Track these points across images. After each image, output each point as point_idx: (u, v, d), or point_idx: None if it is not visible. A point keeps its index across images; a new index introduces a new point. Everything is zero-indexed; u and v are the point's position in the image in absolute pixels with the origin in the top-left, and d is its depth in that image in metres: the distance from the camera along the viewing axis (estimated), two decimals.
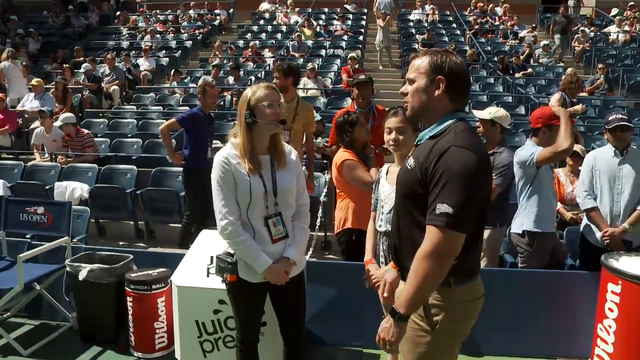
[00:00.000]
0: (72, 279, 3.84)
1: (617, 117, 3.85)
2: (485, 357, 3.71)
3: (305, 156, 5.15)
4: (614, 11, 18.06)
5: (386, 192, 2.88)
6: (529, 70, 12.92)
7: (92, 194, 6.20)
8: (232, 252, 2.63)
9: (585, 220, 4.09)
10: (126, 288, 3.67)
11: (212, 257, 3.49)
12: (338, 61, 13.50)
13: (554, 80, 12.24)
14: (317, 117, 7.31)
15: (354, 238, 3.59)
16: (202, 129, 5.45)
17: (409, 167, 2.04)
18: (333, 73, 12.61)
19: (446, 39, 15.90)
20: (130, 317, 3.68)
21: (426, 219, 1.91)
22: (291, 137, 4.66)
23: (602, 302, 3.45)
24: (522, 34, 16.07)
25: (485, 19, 17.63)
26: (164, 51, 14.66)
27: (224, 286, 3.18)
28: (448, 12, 18.51)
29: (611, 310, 3.37)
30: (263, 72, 12.37)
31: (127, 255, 3.95)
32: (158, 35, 16.08)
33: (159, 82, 12.97)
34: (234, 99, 10.20)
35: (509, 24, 17.05)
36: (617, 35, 15.69)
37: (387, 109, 5.08)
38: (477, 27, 16.59)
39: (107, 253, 4.06)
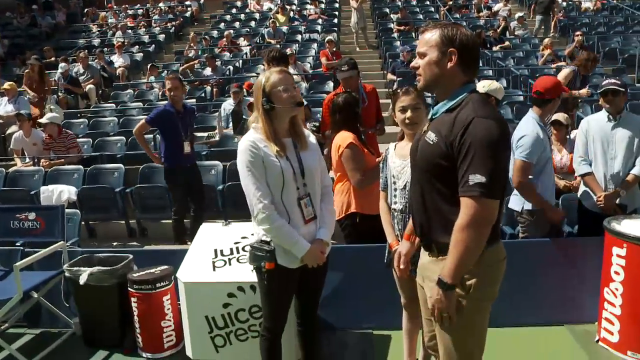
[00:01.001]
0: (72, 284, 3.75)
1: (610, 81, 3.86)
2: (490, 328, 3.72)
3: None
4: None
5: (398, 167, 2.85)
6: (507, 43, 12.95)
7: (80, 196, 6.06)
8: (267, 239, 2.59)
9: (582, 187, 4.12)
10: (129, 289, 3.58)
11: (216, 250, 3.47)
12: (315, 45, 13.41)
13: (531, 51, 12.31)
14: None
15: (358, 220, 3.54)
16: (174, 124, 5.28)
17: (431, 142, 2.05)
18: (311, 57, 12.50)
19: (421, 16, 15.87)
20: (135, 318, 3.60)
21: (458, 191, 1.95)
22: None
23: (608, 266, 3.47)
24: (496, 7, 16.12)
25: None
26: (137, 46, 14.37)
27: (234, 278, 3.19)
28: None
29: (617, 273, 3.40)
30: (240, 62, 12.22)
31: (126, 255, 3.86)
32: (129, 31, 15.76)
33: (134, 78, 12.73)
34: (215, 89, 10.06)
35: None
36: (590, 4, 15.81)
37: (374, 87, 5.06)
38: (451, 3, 16.58)
39: (106, 255, 3.97)
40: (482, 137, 1.90)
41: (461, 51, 2.02)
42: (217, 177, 6.24)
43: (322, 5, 17.31)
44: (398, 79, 10.33)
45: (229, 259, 3.38)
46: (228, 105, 8.03)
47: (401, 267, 2.58)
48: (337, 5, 17.47)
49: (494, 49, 12.52)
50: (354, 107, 3.59)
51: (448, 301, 2.01)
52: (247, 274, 3.19)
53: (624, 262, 3.34)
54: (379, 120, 4.81)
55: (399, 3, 17.17)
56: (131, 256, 3.85)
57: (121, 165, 6.55)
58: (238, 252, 3.44)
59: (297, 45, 13.39)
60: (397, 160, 2.87)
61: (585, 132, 3.97)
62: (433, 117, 2.14)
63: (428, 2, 17.48)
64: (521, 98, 9.08)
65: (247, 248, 3.40)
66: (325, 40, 11.78)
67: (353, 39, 14.70)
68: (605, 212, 3.78)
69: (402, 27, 14.64)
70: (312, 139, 2.76)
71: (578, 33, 11.53)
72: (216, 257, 3.40)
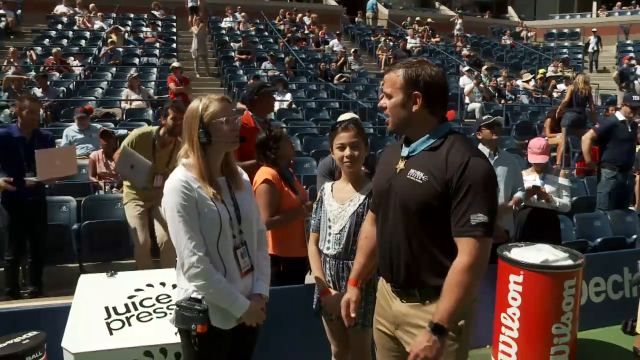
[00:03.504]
0: None
1: (490, 116, 4.19)
2: None
3: None
4: (403, 23, 20.43)
5: (335, 210, 2.67)
6: (347, 75, 13.60)
7: None
8: (198, 297, 2.20)
9: None
10: None
11: (107, 308, 2.91)
12: (155, 70, 12.71)
13: (370, 86, 13.14)
14: None
15: (282, 268, 3.27)
16: (14, 151, 4.59)
17: (420, 181, 1.95)
18: (153, 83, 11.78)
19: (261, 46, 16.04)
20: None
21: (455, 231, 1.90)
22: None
23: (504, 293, 3.67)
24: (331, 43, 16.98)
25: (295, 27, 18.23)
26: None
27: (139, 342, 2.68)
28: (258, 20, 18.71)
29: (514, 299, 3.60)
30: (74, 83, 11.02)
31: None
32: None
33: None
34: (48, 113, 8.85)
35: (319, 32, 17.85)
36: (413, 46, 17.53)
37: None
38: (289, 35, 17.03)
39: None
40: (482, 176, 1.90)
41: (426, 93, 1.97)
42: (69, 215, 5.39)
43: (159, 29, 16.54)
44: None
45: (127, 318, 2.84)
46: (72, 131, 7.11)
47: (352, 315, 2.39)
48: (174, 30, 16.84)
49: (334, 81, 13.07)
50: (279, 143, 3.31)
51: (443, 347, 1.89)
52: (154, 334, 2.73)
53: (520, 289, 3.56)
54: None
55: (238, 32, 17.16)
56: None
57: None
58: (136, 309, 2.91)
59: (135, 69, 12.52)
60: (335, 204, 2.70)
61: None
62: (410, 154, 2.04)
63: (267, 33, 17.78)
64: (371, 130, 9.55)
65: (166, 304, 2.96)
66: (171, 66, 11.15)
67: (193, 66, 14.25)
68: (496, 241, 4.03)
69: (243, 56, 14.60)
70: (246, 176, 2.45)
71: None
72: (110, 317, 2.83)
